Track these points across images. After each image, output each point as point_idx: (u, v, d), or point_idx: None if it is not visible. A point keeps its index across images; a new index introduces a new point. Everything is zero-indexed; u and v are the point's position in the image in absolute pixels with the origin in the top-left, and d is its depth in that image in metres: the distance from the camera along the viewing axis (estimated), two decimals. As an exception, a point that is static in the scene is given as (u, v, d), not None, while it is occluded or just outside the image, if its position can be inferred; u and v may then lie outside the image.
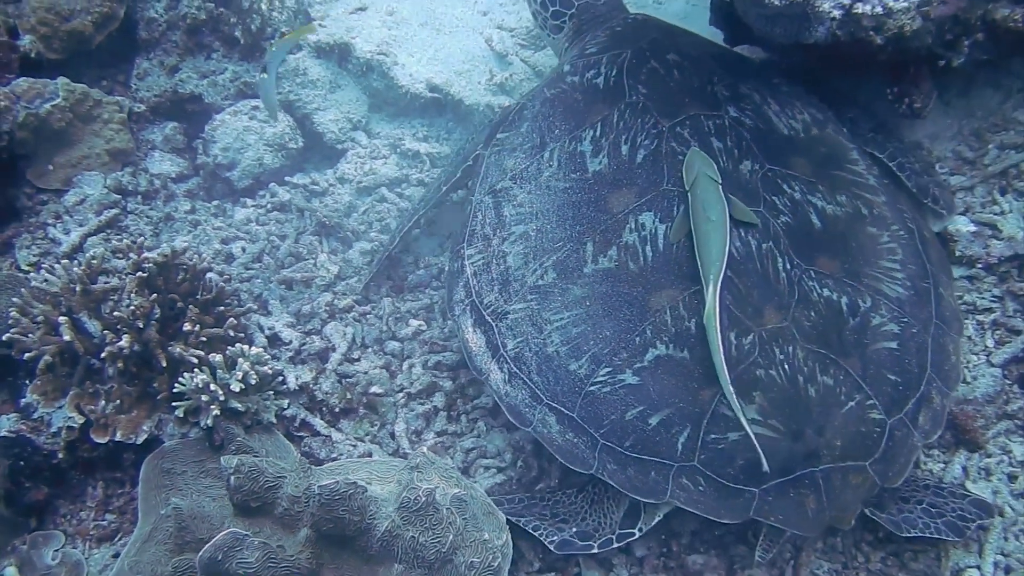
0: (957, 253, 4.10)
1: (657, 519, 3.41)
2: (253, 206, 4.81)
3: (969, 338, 3.97)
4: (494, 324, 3.66)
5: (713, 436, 3.26)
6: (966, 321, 4.00)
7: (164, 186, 4.87)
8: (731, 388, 3.16)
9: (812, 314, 3.40)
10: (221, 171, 4.87)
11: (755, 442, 3.14)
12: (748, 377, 3.27)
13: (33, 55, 4.82)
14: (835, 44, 3.97)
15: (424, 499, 3.07)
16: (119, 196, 4.72)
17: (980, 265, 4.07)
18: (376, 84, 5.19)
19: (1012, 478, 3.68)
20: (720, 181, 3.50)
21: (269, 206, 4.79)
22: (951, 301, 3.72)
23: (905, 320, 3.49)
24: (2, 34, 4.80)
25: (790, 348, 3.33)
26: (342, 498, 3.05)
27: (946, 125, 4.53)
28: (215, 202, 4.86)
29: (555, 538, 3.44)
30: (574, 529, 3.47)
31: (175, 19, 5.05)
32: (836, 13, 2.98)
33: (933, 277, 3.70)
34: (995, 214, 4.17)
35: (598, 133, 3.82)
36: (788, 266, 3.47)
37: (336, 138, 5.10)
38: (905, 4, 2.98)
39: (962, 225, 4.15)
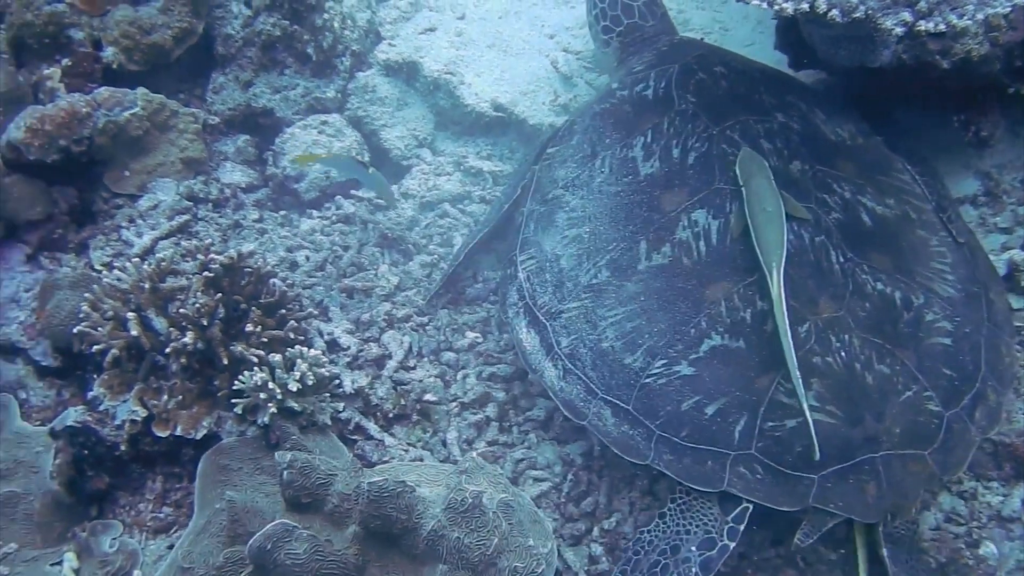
0: (1022, 283, 4.03)
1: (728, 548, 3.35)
2: (319, 217, 4.91)
3: (1033, 370, 3.91)
4: (548, 324, 3.75)
5: (770, 424, 3.28)
6: (1029, 352, 3.95)
7: (234, 195, 5.01)
8: (798, 373, 3.15)
9: (867, 305, 3.44)
10: (289, 183, 5.00)
11: (811, 429, 3.13)
12: (805, 364, 3.27)
13: (115, 66, 5.02)
14: (900, 68, 3.99)
15: (471, 501, 3.11)
16: (191, 203, 4.86)
17: (1045, 296, 4.02)
18: (442, 103, 5.30)
19: (1073, 511, 3.61)
20: (772, 177, 3.54)
21: (334, 218, 4.89)
22: (1002, 306, 3.74)
23: (958, 319, 3.52)
24: (87, 46, 5.02)
25: (846, 336, 3.36)
26: (390, 495, 3.10)
27: (1015, 155, 4.49)
28: (282, 212, 4.98)
29: (693, 569, 3.32)
30: (693, 547, 3.37)
31: (251, 36, 5.20)
32: (899, 30, 2.99)
33: (983, 283, 3.72)
34: (1062, 246, 4.12)
35: (649, 139, 3.92)
36: (841, 259, 3.52)
37: (402, 154, 5.21)
38: (970, 23, 2.97)
39: (1026, 256, 4.10)
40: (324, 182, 4.99)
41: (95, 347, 3.84)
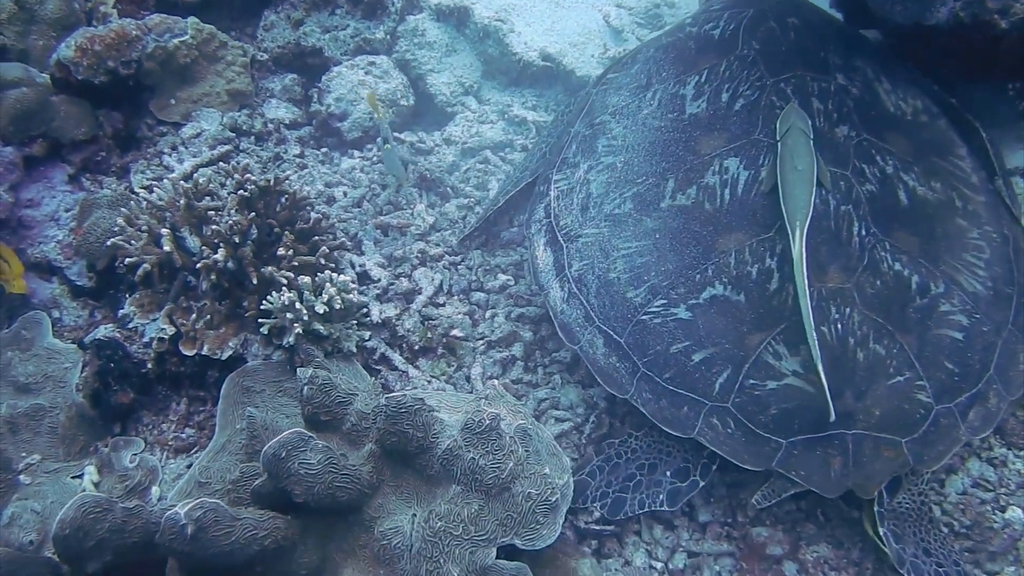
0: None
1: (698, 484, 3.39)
2: (360, 157, 4.90)
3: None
4: (565, 245, 3.73)
5: (752, 382, 3.23)
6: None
7: (277, 130, 5.01)
8: (815, 335, 3.09)
9: (878, 283, 3.33)
10: (333, 121, 4.98)
11: (827, 392, 3.07)
12: (799, 330, 3.20)
13: (169, -5, 5.06)
14: (957, 27, 3.86)
15: (488, 422, 3.06)
16: (233, 134, 4.88)
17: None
18: (491, 51, 5.26)
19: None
20: (812, 137, 3.45)
21: (375, 158, 4.87)
22: None
23: (977, 316, 3.38)
24: (141, -26, 5.05)
25: (847, 309, 3.27)
26: (407, 412, 3.06)
27: (1070, 130, 4.35)
28: (323, 150, 4.97)
29: (660, 495, 3.40)
30: (668, 472, 3.44)
31: (305, -27, 5.21)
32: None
33: (1019, 286, 3.55)
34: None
35: (703, 79, 3.85)
36: (863, 232, 3.40)
37: (447, 100, 5.18)
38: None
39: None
40: (367, 123, 4.96)
41: (127, 260, 3.85)
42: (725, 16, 4.07)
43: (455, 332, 4.02)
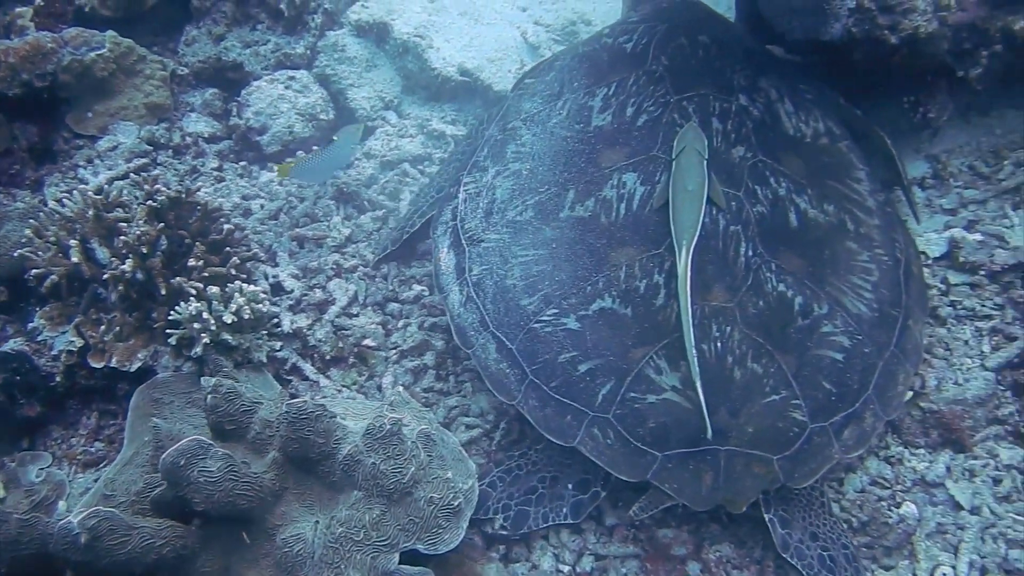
0: (960, 259, 4.08)
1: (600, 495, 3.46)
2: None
3: (966, 343, 3.91)
4: (468, 249, 3.76)
5: (633, 394, 3.29)
6: (964, 326, 3.96)
7: (195, 143, 5.02)
8: (695, 352, 3.17)
9: (760, 303, 3.40)
10: (252, 135, 4.99)
11: (703, 407, 3.15)
12: (681, 346, 3.27)
13: (88, 10, 5.07)
14: (851, 42, 4.00)
15: (389, 427, 3.08)
16: (151, 147, 4.88)
17: (983, 272, 4.02)
18: (411, 66, 5.31)
19: (996, 481, 3.59)
20: (707, 157, 3.52)
21: (295, 170, 4.88)
22: (917, 336, 3.65)
23: (859, 337, 3.45)
24: (61, -11, 5.04)
25: (728, 328, 3.33)
26: (308, 418, 3.08)
27: (964, 141, 4.53)
28: (242, 163, 4.98)
29: (564, 508, 3.45)
30: (570, 484, 3.49)
31: (226, -12, 5.24)
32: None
33: (906, 308, 3.63)
34: (1004, 227, 4.13)
35: (611, 92, 3.91)
36: (750, 252, 3.47)
37: (367, 115, 5.21)
38: (920, 3, 2.98)
39: (968, 234, 4.12)
40: (287, 136, 4.98)
41: (34, 272, 3.82)
42: (640, 29, 4.15)
43: (367, 342, 4.04)
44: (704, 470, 3.22)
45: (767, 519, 3.34)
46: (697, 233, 3.33)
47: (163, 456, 2.97)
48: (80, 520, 2.79)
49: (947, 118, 4.35)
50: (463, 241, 3.80)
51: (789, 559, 3.31)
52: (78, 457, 3.89)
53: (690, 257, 3.27)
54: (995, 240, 4.12)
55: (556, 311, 3.45)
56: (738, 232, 3.50)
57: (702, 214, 3.38)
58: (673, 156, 3.58)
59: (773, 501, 3.36)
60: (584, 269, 3.49)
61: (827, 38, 4.03)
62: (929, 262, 4.15)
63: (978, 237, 4.13)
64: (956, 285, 4.08)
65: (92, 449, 3.91)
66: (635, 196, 3.58)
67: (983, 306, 4.01)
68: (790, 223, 3.61)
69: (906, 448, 3.74)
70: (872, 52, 4.03)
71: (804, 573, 3.30)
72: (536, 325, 3.46)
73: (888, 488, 3.60)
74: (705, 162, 3.51)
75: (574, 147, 3.80)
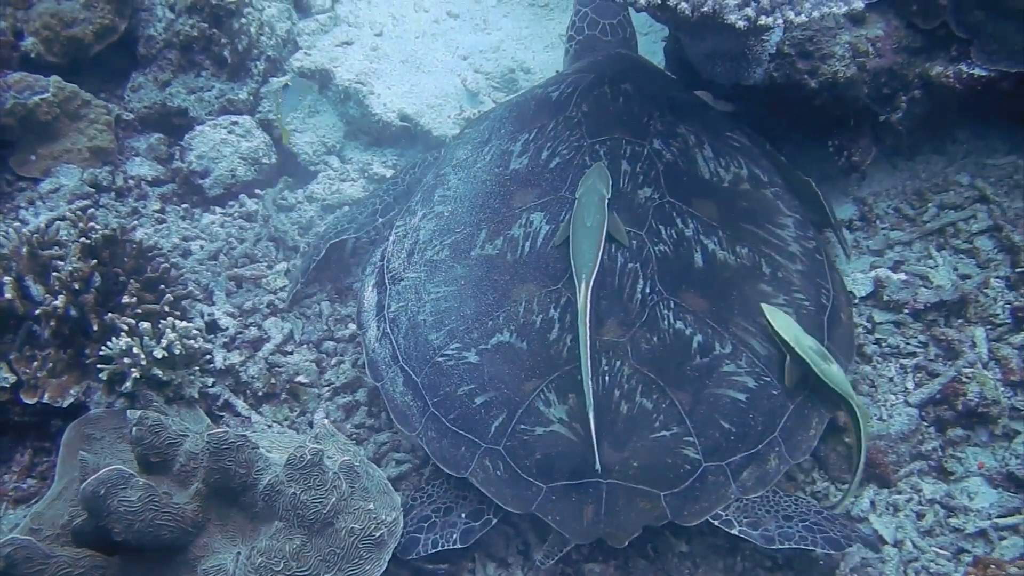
0: (885, 298, 4.19)
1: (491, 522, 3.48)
2: (221, 213, 4.98)
3: (891, 379, 4.02)
4: (389, 287, 3.87)
5: (522, 426, 3.37)
6: (889, 363, 4.06)
7: (138, 186, 5.08)
8: (591, 384, 3.24)
9: (655, 339, 3.46)
10: (195, 178, 5.07)
11: (594, 440, 3.21)
12: (570, 379, 3.37)
13: (33, 55, 5.14)
14: (772, 86, 4.16)
15: (310, 457, 3.12)
16: (93, 190, 4.94)
17: (907, 311, 4.14)
18: (352, 112, 5.42)
19: (919, 516, 3.67)
20: (608, 196, 3.62)
21: (236, 215, 4.96)
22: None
23: (767, 379, 3.49)
24: (7, 35, 5.13)
25: (618, 363, 3.41)
26: (230, 448, 3.12)
27: (890, 185, 4.66)
28: (184, 206, 5.05)
29: (454, 535, 3.45)
30: (463, 514, 3.50)
31: (171, 37, 5.34)
32: (741, 24, 3.14)
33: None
34: (929, 267, 4.26)
35: (531, 137, 4.05)
36: (647, 290, 3.55)
37: (310, 159, 5.31)
38: (805, 18, 3.13)
39: (892, 273, 4.24)
40: (229, 179, 5.06)
41: (-35, 308, 3.86)
42: (569, 80, 4.29)
43: (300, 378, 4.10)
44: (586, 502, 3.27)
45: (737, 532, 3.33)
46: (596, 268, 3.40)
47: (83, 485, 2.99)
48: (-5, 548, 2.81)
49: (872, 162, 4.51)
50: (386, 280, 3.91)
51: (780, 547, 3.30)
52: (9, 493, 3.89)
53: (589, 291, 3.35)
54: (919, 280, 4.26)
55: (459, 345, 3.56)
56: (636, 269, 3.58)
57: (600, 250, 3.46)
58: (577, 195, 3.68)
59: (733, 516, 3.36)
60: (487, 305, 3.61)
61: (749, 82, 4.19)
62: (856, 301, 4.26)
63: (902, 277, 4.25)
64: (881, 323, 4.20)
65: (24, 485, 3.91)
66: (539, 234, 3.70)
67: (907, 344, 4.12)
68: (695, 263, 3.66)
69: (832, 483, 3.81)
70: (793, 96, 4.19)
71: (802, 547, 3.30)
72: (440, 359, 3.56)
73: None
74: (606, 201, 3.60)
75: (491, 189, 3.93)
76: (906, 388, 3.98)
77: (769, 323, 3.52)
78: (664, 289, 3.56)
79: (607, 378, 3.37)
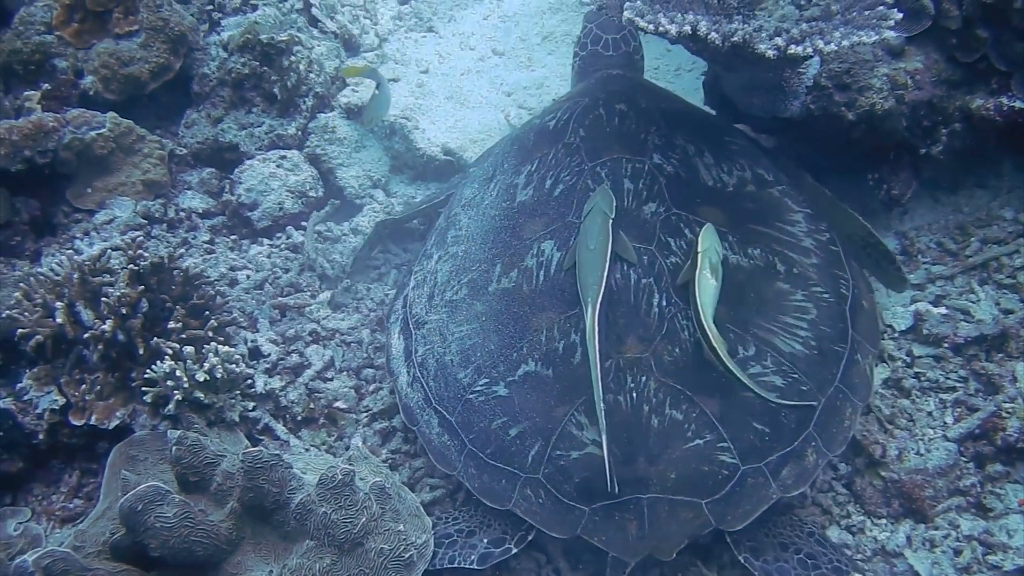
0: (925, 332, 4.15)
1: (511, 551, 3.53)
2: (268, 244, 5.10)
3: (929, 414, 3.98)
4: (414, 332, 3.94)
5: (558, 452, 3.40)
6: (928, 398, 4.02)
7: (188, 218, 5.23)
8: (603, 406, 3.26)
9: (677, 351, 3.48)
10: (243, 210, 5.19)
11: (608, 461, 3.24)
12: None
13: (92, 93, 5.35)
14: (809, 119, 4.18)
15: (341, 477, 3.18)
16: (145, 221, 5.10)
17: (947, 345, 4.10)
18: (398, 146, 5.54)
19: (957, 552, 3.61)
20: (612, 216, 3.63)
21: (283, 246, 5.08)
22: (866, 371, 3.72)
23: (794, 376, 3.51)
24: (68, 74, 5.35)
25: (643, 378, 3.43)
26: (263, 467, 3.19)
27: (933, 219, 4.64)
28: (232, 237, 5.18)
29: (473, 556, 3.51)
30: (485, 539, 3.56)
31: (223, 74, 5.52)
32: (771, 53, 3.18)
33: (852, 343, 3.70)
34: (970, 301, 4.22)
35: (533, 168, 4.09)
36: (664, 303, 3.57)
37: (355, 193, 5.42)
38: (834, 47, 3.16)
39: (933, 307, 4.21)
40: (277, 212, 5.19)
41: (19, 331, 3.99)
42: (564, 107, 4.33)
43: (339, 404, 4.17)
44: (628, 519, 3.30)
45: (741, 560, 3.37)
46: (602, 289, 3.41)
47: (121, 501, 3.09)
48: (35, 559, 2.91)
49: (913, 196, 4.50)
50: (410, 325, 3.98)
51: None
52: (56, 513, 4.00)
53: (596, 313, 3.36)
54: (960, 314, 4.22)
55: (487, 380, 3.61)
56: (650, 284, 3.60)
57: (606, 271, 3.46)
58: (582, 219, 3.71)
59: (741, 541, 3.40)
60: (510, 337, 3.65)
61: (786, 115, 4.21)
62: (896, 335, 4.24)
63: (943, 311, 4.21)
64: (920, 357, 4.16)
65: (71, 505, 4.02)
66: (552, 262, 3.74)
67: (947, 378, 4.08)
68: None
69: (868, 517, 3.78)
70: (831, 129, 4.20)
71: None
72: (471, 396, 3.62)
73: (849, 556, 3.63)
74: (610, 221, 3.61)
75: (501, 224, 3.98)
76: (945, 423, 3.93)
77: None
78: (680, 300, 3.58)
79: (634, 394, 3.40)
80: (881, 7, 3.39)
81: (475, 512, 3.66)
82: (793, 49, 3.17)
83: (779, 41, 3.19)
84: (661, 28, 3.28)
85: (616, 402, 3.39)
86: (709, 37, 3.23)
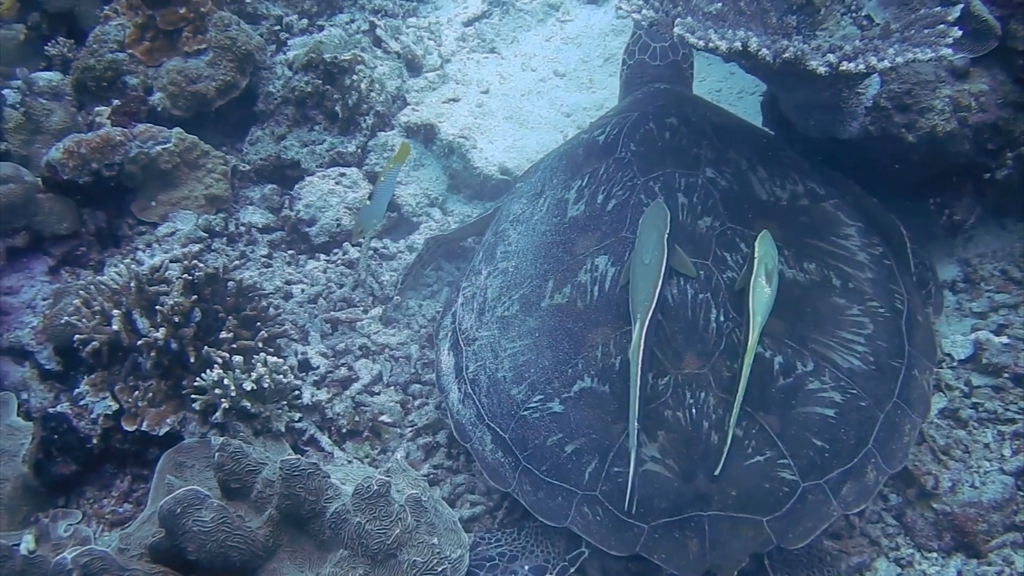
0: (984, 361, 4.02)
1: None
2: (324, 259, 5.16)
3: (986, 445, 3.84)
4: (464, 348, 3.90)
5: (616, 469, 3.33)
6: (986, 429, 3.89)
7: (248, 232, 5.32)
8: (636, 424, 3.22)
9: (735, 366, 3.41)
10: (302, 226, 5.26)
11: (631, 478, 3.22)
12: (656, 416, 3.35)
13: (160, 109, 5.50)
14: (868, 140, 4.09)
15: (376, 488, 3.18)
16: (206, 235, 5.20)
17: (1007, 375, 3.97)
18: (456, 165, 5.56)
19: (1010, 588, 3.48)
20: (667, 231, 3.58)
21: (339, 262, 5.13)
22: (924, 385, 3.62)
23: (853, 391, 3.44)
24: (139, 91, 5.51)
25: (702, 394, 3.37)
26: (301, 475, 3.20)
27: (998, 246, 4.50)
28: (290, 252, 5.24)
29: None
30: (527, 566, 3.54)
31: (287, 93, 5.62)
32: (823, 70, 3.12)
33: (909, 358, 3.61)
34: (1035, 332, 4.09)
35: (584, 183, 4.04)
36: (722, 318, 3.52)
37: (413, 211, 5.45)
38: (888, 64, 3.08)
39: (994, 336, 4.08)
40: (334, 228, 5.25)
41: (77, 337, 4.09)
42: (613, 122, 4.29)
43: (384, 418, 4.18)
44: (689, 537, 3.23)
45: None
46: (653, 305, 3.36)
47: (161, 503, 3.12)
48: (74, 557, 2.95)
49: (978, 222, 4.37)
50: (460, 341, 3.96)
51: None
52: (106, 516, 4.09)
53: (644, 329, 3.31)
54: (1022, 344, 4.07)
55: (542, 397, 3.56)
56: (707, 299, 3.56)
57: (658, 286, 3.41)
58: (637, 234, 3.66)
59: (778, 566, 3.37)
60: (564, 353, 3.60)
61: (844, 136, 4.12)
62: (955, 364, 4.12)
63: (1004, 340, 4.08)
64: (979, 387, 4.04)
65: (120, 510, 4.11)
66: (607, 277, 3.69)
67: (1006, 409, 3.95)
68: None
69: (918, 551, 3.67)
70: (890, 151, 4.10)
71: None
72: (525, 412, 3.57)
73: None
74: (665, 236, 3.56)
75: (552, 239, 3.94)
76: (1002, 455, 3.80)
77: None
78: (738, 315, 3.52)
79: (694, 411, 3.35)
80: (942, 25, 3.31)
81: (518, 536, 3.65)
82: (845, 66, 3.10)
83: (831, 58, 3.12)
84: (712, 44, 3.23)
85: (676, 418, 3.34)
86: (760, 53, 3.18)
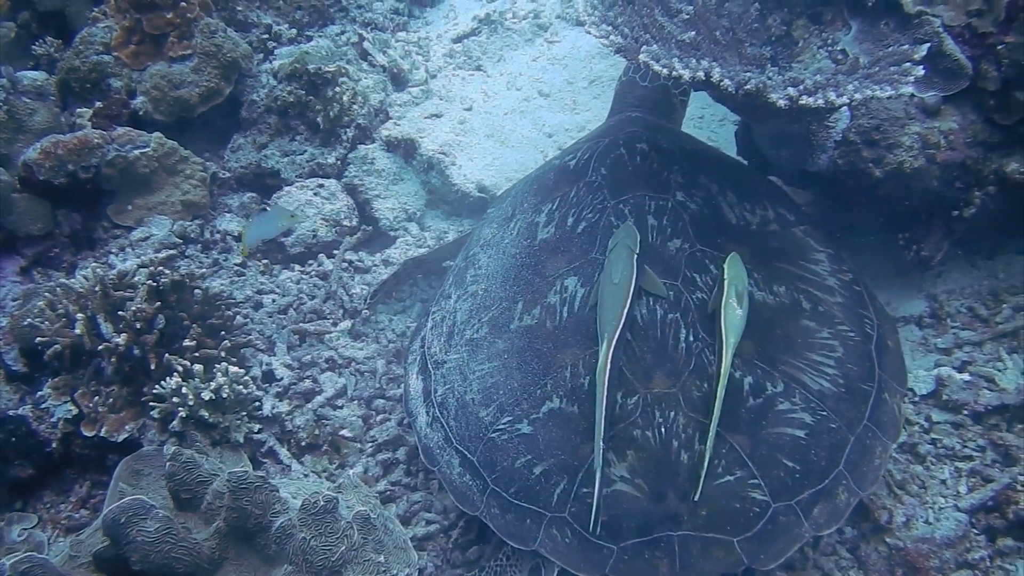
0: (945, 397, 4.02)
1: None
2: (299, 271, 5.16)
3: (943, 482, 3.83)
4: (433, 372, 3.88)
5: (585, 490, 3.30)
6: (943, 465, 3.88)
7: (223, 240, 5.32)
8: (601, 444, 3.20)
9: (705, 386, 3.40)
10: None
11: (596, 498, 3.20)
12: (626, 435, 3.32)
13: (142, 113, 5.51)
14: (837, 174, 4.09)
15: (323, 504, 3.17)
16: (181, 241, 5.20)
17: (967, 412, 3.96)
18: (435, 181, 5.57)
19: (962, 629, 3.46)
20: (637, 252, 3.58)
21: (313, 273, 5.13)
22: (895, 409, 3.60)
23: (823, 413, 3.42)
24: (121, 93, 5.51)
25: (671, 413, 3.35)
26: (247, 488, 3.19)
27: (967, 283, 4.50)
28: (264, 261, 5.24)
29: None
30: None
31: (270, 102, 5.63)
32: (782, 103, 3.12)
33: (880, 382, 3.60)
34: (997, 369, 4.08)
35: (555, 207, 4.04)
36: (691, 338, 3.50)
37: (390, 225, 5.45)
38: (846, 100, 3.09)
39: (956, 373, 4.08)
40: (310, 239, 5.25)
41: (38, 340, 4.08)
42: (584, 148, 4.30)
43: (344, 432, 4.17)
44: (659, 558, 3.20)
45: None
46: (621, 324, 3.36)
47: (105, 512, 3.11)
48: (12, 564, 2.93)
49: (946, 258, 4.36)
50: (429, 365, 3.94)
51: None
52: (62, 522, 4.07)
53: (611, 348, 3.31)
54: (984, 382, 4.07)
55: (510, 418, 3.53)
56: (676, 319, 3.54)
57: (627, 306, 3.41)
58: (607, 255, 3.66)
59: None
60: (534, 374, 3.58)
61: (814, 169, 4.13)
62: (916, 399, 4.12)
63: (966, 377, 4.08)
64: (939, 423, 4.03)
65: (77, 515, 4.09)
66: (576, 298, 3.68)
67: (964, 446, 3.94)
68: None
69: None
70: (858, 185, 4.10)
71: None
72: (494, 434, 3.54)
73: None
74: (635, 256, 3.56)
75: (522, 262, 3.93)
76: (958, 492, 3.78)
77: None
78: (707, 336, 3.51)
79: (663, 430, 3.33)
80: (907, 63, 3.31)
81: (498, 566, 3.63)
82: (805, 100, 3.10)
83: (792, 91, 3.13)
84: (675, 73, 3.23)
85: (645, 437, 3.32)
86: (722, 84, 3.18)
